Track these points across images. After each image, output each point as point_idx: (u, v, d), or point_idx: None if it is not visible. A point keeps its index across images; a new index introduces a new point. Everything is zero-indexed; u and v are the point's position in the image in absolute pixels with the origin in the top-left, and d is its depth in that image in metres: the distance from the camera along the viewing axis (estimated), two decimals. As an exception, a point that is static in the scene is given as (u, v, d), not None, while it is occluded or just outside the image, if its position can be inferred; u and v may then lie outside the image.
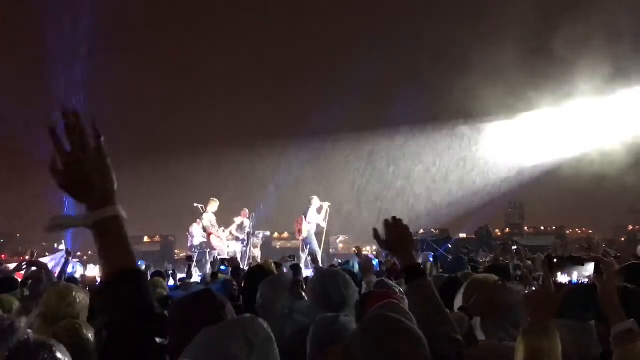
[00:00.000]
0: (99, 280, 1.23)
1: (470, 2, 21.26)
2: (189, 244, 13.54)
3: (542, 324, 1.60)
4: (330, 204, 14.20)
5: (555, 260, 1.89)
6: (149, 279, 8.57)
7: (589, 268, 1.84)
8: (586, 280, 1.83)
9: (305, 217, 13.65)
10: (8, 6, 19.32)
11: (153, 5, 21.31)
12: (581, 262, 1.87)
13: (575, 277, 1.84)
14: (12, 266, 7.70)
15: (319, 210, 13.92)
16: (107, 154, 1.25)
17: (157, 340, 1.14)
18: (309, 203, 13.99)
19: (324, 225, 14.18)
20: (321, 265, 10.43)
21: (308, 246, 13.45)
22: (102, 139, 1.24)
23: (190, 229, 13.49)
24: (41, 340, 1.68)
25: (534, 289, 1.82)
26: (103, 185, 1.23)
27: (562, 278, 1.83)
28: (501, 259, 11.45)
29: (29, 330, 1.75)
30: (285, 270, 7.20)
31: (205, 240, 13.34)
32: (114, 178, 1.27)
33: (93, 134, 1.23)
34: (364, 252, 18.12)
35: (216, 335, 1.59)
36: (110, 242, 1.20)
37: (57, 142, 1.20)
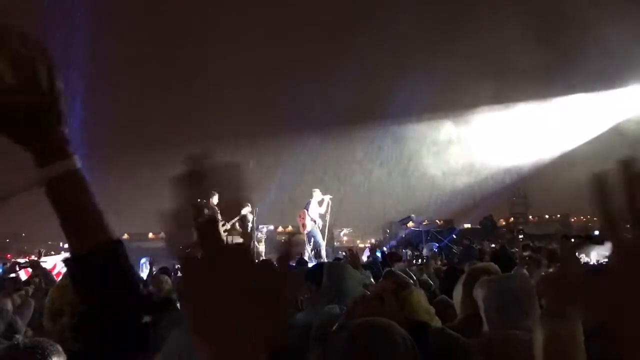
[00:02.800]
0: (66, 257, 0.95)
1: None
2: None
3: (562, 308, 1.52)
4: (331, 197, 14.16)
5: (572, 239, 1.83)
6: (150, 273, 8.61)
7: (609, 247, 1.75)
8: (606, 260, 1.75)
9: (307, 210, 13.64)
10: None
11: (156, 4, 21.27)
12: (600, 241, 1.79)
13: (594, 257, 1.79)
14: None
15: (321, 203, 13.89)
16: (58, 74, 0.90)
17: (142, 319, 0.94)
18: (310, 196, 14.02)
19: (327, 217, 14.17)
20: (325, 259, 10.45)
21: (312, 239, 13.46)
22: (53, 65, 0.89)
23: None
24: (33, 343, 1.53)
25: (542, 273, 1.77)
26: (54, 128, 0.91)
27: (583, 257, 1.76)
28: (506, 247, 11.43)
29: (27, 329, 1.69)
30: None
31: None
32: (66, 121, 0.93)
33: (41, 59, 0.88)
34: (366, 245, 18.15)
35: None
36: (72, 208, 0.92)
37: None
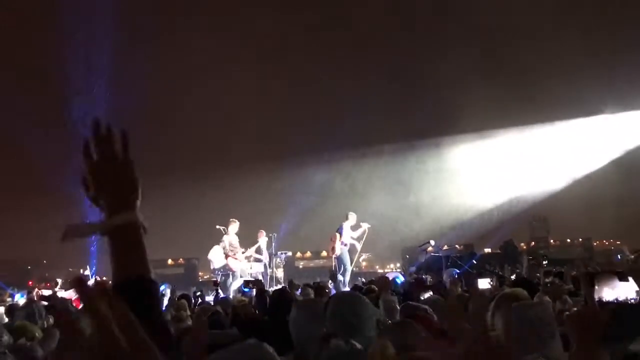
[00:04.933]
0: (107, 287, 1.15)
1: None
2: (211, 267, 13.58)
3: (589, 347, 1.50)
4: (369, 226, 13.72)
5: (595, 276, 1.79)
6: (171, 298, 8.64)
7: (633, 284, 1.71)
8: (633, 299, 1.70)
9: (340, 234, 13.30)
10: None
11: (180, 19, 21.67)
12: (624, 278, 1.75)
13: (620, 294, 1.74)
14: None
15: (354, 228, 13.54)
16: (134, 165, 1.21)
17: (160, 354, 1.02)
18: (344, 218, 13.59)
19: (359, 246, 13.79)
20: (343, 285, 10.33)
21: (342, 266, 13.05)
22: (129, 148, 1.21)
23: (210, 253, 13.52)
24: None
25: (568, 305, 1.75)
26: (125, 192, 1.18)
27: (606, 294, 1.72)
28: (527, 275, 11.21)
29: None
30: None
31: (225, 262, 13.39)
32: (138, 188, 1.22)
33: (121, 144, 1.21)
34: (386, 270, 17.97)
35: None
36: (126, 249, 1.14)
37: (87, 151, 1.18)
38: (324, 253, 16.21)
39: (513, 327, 2.08)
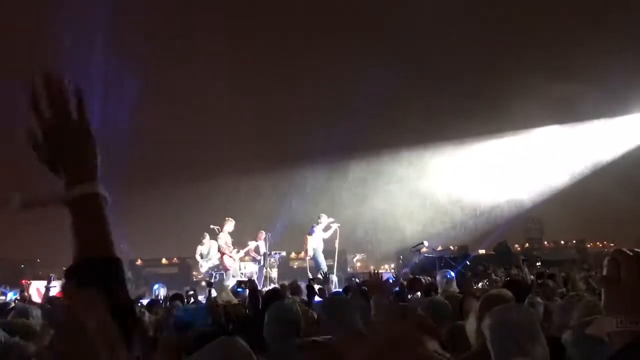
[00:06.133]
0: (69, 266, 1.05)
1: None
2: (200, 268, 13.68)
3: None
4: (339, 225, 14.19)
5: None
6: (165, 297, 8.63)
7: None
8: None
9: (311, 235, 13.72)
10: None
11: (167, 29, 21.64)
12: None
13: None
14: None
15: (326, 229, 13.96)
16: (91, 125, 1.09)
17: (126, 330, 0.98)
18: (316, 221, 14.02)
19: (335, 244, 14.21)
20: (331, 286, 10.29)
21: (318, 266, 13.42)
22: (86, 107, 1.08)
23: (197, 254, 13.65)
24: None
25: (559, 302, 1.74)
26: (84, 159, 1.08)
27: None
28: (517, 274, 11.25)
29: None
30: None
31: (216, 262, 13.46)
32: (97, 152, 1.10)
33: (76, 101, 1.08)
34: (381, 271, 18.06)
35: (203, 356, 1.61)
36: (87, 224, 1.04)
37: (37, 109, 1.05)
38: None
39: (496, 331, 2.08)
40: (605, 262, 1.14)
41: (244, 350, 1.61)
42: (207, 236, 13.85)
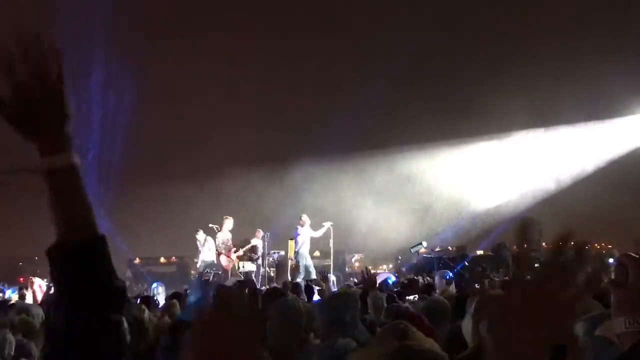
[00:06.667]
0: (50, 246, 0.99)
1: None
2: (198, 267, 13.71)
3: None
4: (332, 224, 14.23)
5: None
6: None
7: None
8: None
9: (295, 240, 13.79)
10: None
11: (156, 26, 21.60)
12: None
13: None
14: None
15: (316, 228, 14.03)
16: (68, 87, 1.00)
17: (113, 316, 0.96)
18: (298, 221, 14.18)
19: (330, 244, 14.26)
20: (331, 285, 10.30)
21: (303, 268, 13.45)
22: (63, 70, 0.99)
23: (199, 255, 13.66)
24: None
25: None
26: (60, 125, 1.00)
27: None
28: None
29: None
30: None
31: (210, 260, 13.48)
32: (70, 121, 1.01)
33: (56, 63, 0.99)
34: (379, 270, 18.09)
35: None
36: (67, 199, 0.98)
37: (10, 64, 0.95)
38: (317, 253, 16.35)
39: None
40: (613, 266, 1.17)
41: None
42: (201, 231, 13.84)
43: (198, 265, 13.92)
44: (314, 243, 15.29)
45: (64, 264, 0.97)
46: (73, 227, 0.98)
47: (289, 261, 14.11)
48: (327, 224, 14.15)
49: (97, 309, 0.95)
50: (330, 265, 14.59)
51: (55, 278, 0.98)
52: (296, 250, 13.63)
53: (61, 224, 0.98)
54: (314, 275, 13.08)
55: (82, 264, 0.96)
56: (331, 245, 14.47)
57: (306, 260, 13.56)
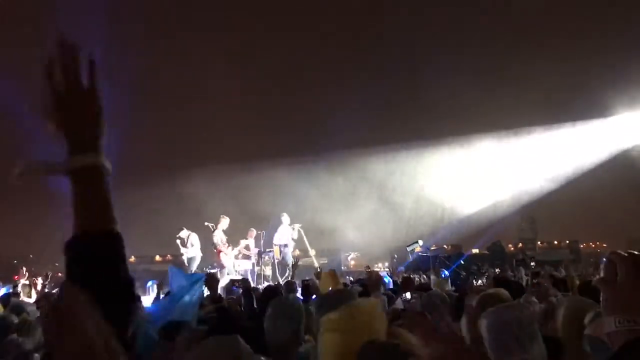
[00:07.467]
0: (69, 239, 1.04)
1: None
2: (191, 269, 13.61)
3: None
4: (300, 225, 14.34)
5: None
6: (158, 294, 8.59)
7: None
8: None
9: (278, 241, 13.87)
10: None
11: (156, 24, 21.56)
12: None
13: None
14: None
15: (290, 231, 14.10)
16: (101, 96, 1.09)
17: (126, 305, 1.01)
18: (279, 221, 14.23)
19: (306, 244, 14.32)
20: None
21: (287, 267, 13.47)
22: (97, 77, 1.08)
23: (184, 254, 13.60)
24: None
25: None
26: (91, 129, 1.07)
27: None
28: (512, 274, 11.27)
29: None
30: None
31: (192, 255, 13.44)
32: (104, 124, 1.09)
33: (88, 72, 1.08)
34: (375, 269, 18.09)
35: (203, 356, 1.60)
36: (89, 196, 1.03)
37: (52, 75, 1.05)
38: (313, 252, 16.36)
39: (493, 331, 2.06)
40: (602, 264, 1.15)
41: (247, 349, 1.60)
42: (185, 229, 13.80)
43: (186, 263, 13.87)
44: (311, 242, 15.38)
45: (79, 254, 1.01)
46: (90, 221, 1.02)
47: (275, 259, 14.15)
48: (297, 226, 14.28)
49: (114, 299, 0.98)
50: (325, 263, 14.64)
51: (70, 269, 1.02)
52: (281, 250, 13.76)
53: (79, 218, 1.03)
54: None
55: (95, 255, 1.01)
56: (307, 246, 14.64)
57: (288, 262, 13.64)
